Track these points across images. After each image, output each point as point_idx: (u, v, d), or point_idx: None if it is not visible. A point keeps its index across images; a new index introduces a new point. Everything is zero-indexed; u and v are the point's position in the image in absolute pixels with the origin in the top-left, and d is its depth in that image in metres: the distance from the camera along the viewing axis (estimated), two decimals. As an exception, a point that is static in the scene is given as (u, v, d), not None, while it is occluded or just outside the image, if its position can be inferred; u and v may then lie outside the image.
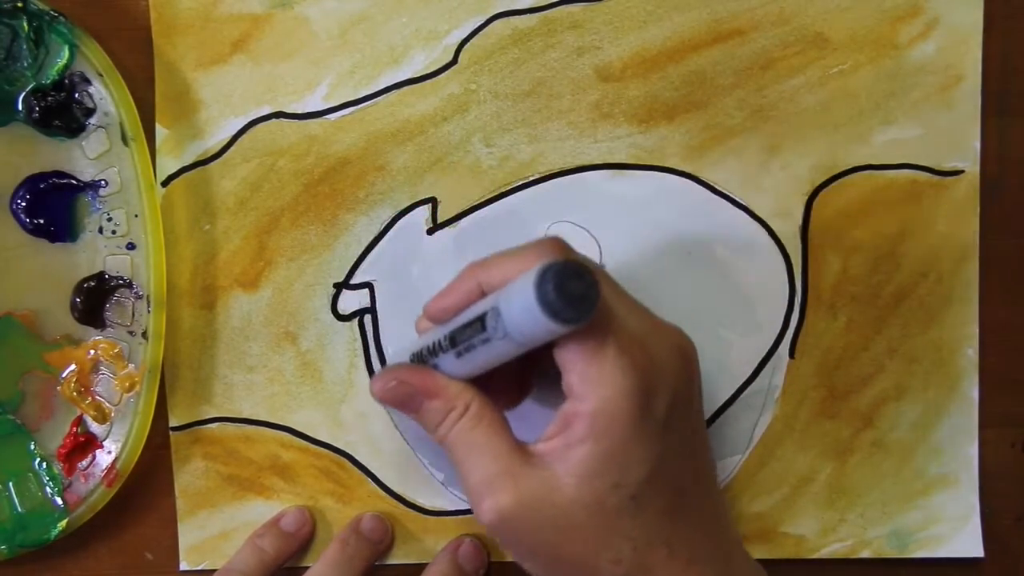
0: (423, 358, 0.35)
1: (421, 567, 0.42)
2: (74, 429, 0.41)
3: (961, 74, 0.42)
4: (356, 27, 0.42)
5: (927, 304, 0.42)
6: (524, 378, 0.38)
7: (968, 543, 0.42)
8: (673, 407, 0.32)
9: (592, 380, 0.31)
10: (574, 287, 0.29)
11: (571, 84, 0.42)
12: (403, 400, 0.35)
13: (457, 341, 0.33)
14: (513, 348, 0.31)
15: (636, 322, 0.33)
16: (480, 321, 0.32)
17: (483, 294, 0.33)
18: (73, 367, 0.42)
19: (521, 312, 0.30)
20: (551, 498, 0.32)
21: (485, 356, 0.32)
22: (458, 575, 0.41)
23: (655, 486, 0.32)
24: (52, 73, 0.40)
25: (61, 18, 0.39)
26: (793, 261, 0.42)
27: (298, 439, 0.43)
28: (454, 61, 0.42)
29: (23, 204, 0.41)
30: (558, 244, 0.33)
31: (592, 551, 0.32)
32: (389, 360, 0.41)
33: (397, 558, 0.43)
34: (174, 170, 0.42)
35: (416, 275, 0.42)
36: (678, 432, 0.33)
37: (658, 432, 0.32)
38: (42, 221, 0.41)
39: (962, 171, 0.42)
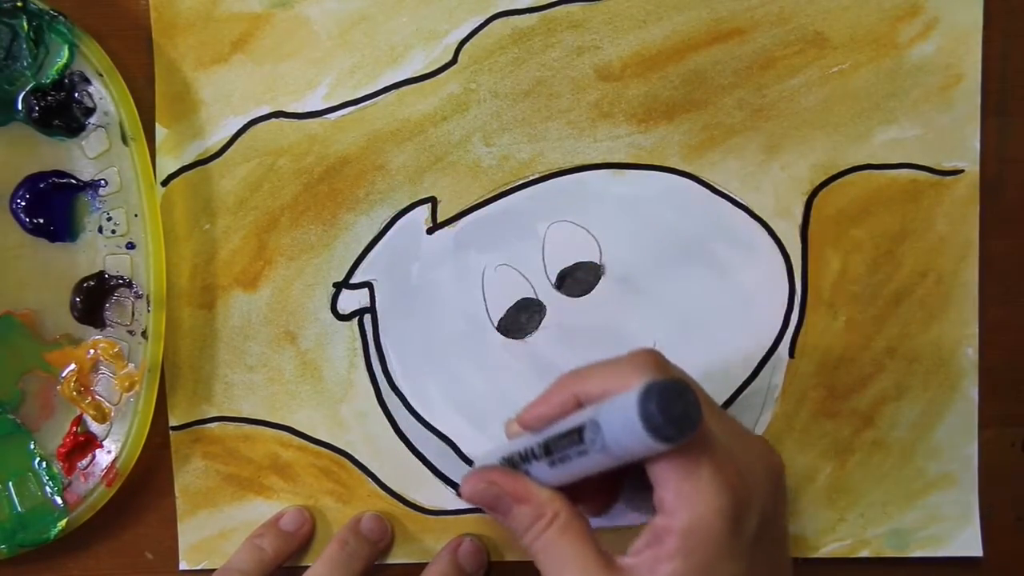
0: (514, 463, 0.36)
1: (421, 567, 0.42)
2: (74, 429, 0.41)
3: (961, 74, 0.42)
4: (356, 27, 0.42)
5: (927, 304, 0.42)
6: (613, 487, 0.38)
7: (967, 543, 0.42)
8: (761, 525, 0.33)
9: (685, 497, 0.31)
10: (677, 407, 0.29)
11: (571, 84, 0.42)
12: (492, 502, 0.35)
13: (552, 450, 0.34)
14: (609, 461, 0.32)
15: (729, 438, 0.33)
16: (577, 433, 0.32)
17: (579, 405, 0.34)
18: (73, 367, 0.42)
19: (622, 428, 0.30)
20: None
21: (580, 467, 0.33)
22: (458, 574, 0.41)
23: None
24: (52, 73, 0.40)
25: (61, 17, 0.39)
26: (793, 261, 0.42)
27: (298, 438, 0.43)
28: (454, 61, 0.42)
29: (23, 204, 0.41)
30: (656, 359, 0.34)
31: None
32: (478, 461, 0.41)
33: (397, 557, 0.43)
34: (174, 170, 0.42)
35: (416, 274, 0.42)
36: (764, 548, 0.33)
37: (746, 550, 0.32)
38: (42, 221, 0.41)
39: (962, 171, 0.42)
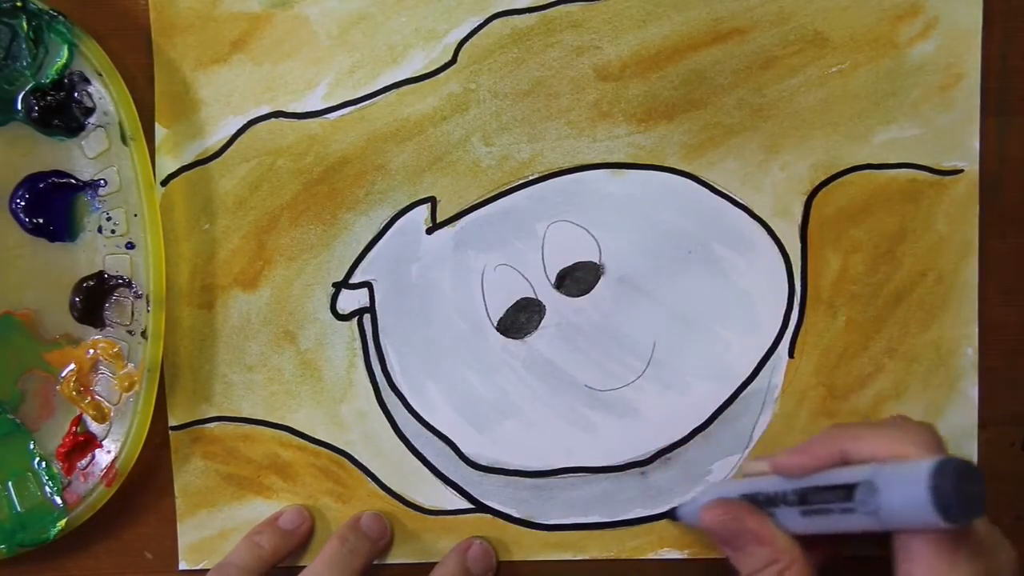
0: (759, 502, 0.36)
1: (421, 567, 0.42)
2: (73, 428, 0.41)
3: (961, 73, 0.42)
4: (355, 27, 0.42)
5: (926, 303, 0.42)
6: (842, 543, 0.38)
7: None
8: None
9: None
10: (970, 489, 0.29)
11: (570, 83, 0.42)
12: (731, 535, 0.36)
13: (809, 500, 0.34)
14: (871, 525, 0.31)
15: (983, 528, 0.33)
16: (845, 491, 0.32)
17: (844, 462, 0.34)
18: (72, 366, 0.42)
19: (903, 498, 0.30)
20: None
21: (835, 525, 0.33)
22: (466, 577, 0.41)
23: None
24: (51, 72, 0.40)
25: (60, 17, 0.39)
26: (792, 260, 0.42)
27: (297, 438, 0.43)
28: (453, 60, 0.42)
29: (23, 204, 0.41)
30: (938, 436, 0.34)
31: None
32: (710, 493, 0.41)
33: (396, 557, 0.43)
34: (173, 169, 0.42)
35: (415, 274, 0.42)
36: None
37: None
38: (41, 220, 0.41)
39: (961, 170, 0.42)
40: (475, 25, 0.42)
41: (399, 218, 0.42)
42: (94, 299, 0.41)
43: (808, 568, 0.34)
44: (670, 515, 0.41)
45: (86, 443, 0.41)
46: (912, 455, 0.32)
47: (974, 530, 0.32)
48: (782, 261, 0.42)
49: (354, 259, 0.42)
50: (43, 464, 0.42)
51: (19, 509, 0.41)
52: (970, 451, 0.42)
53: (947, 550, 0.31)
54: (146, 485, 0.43)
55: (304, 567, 0.41)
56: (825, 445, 0.35)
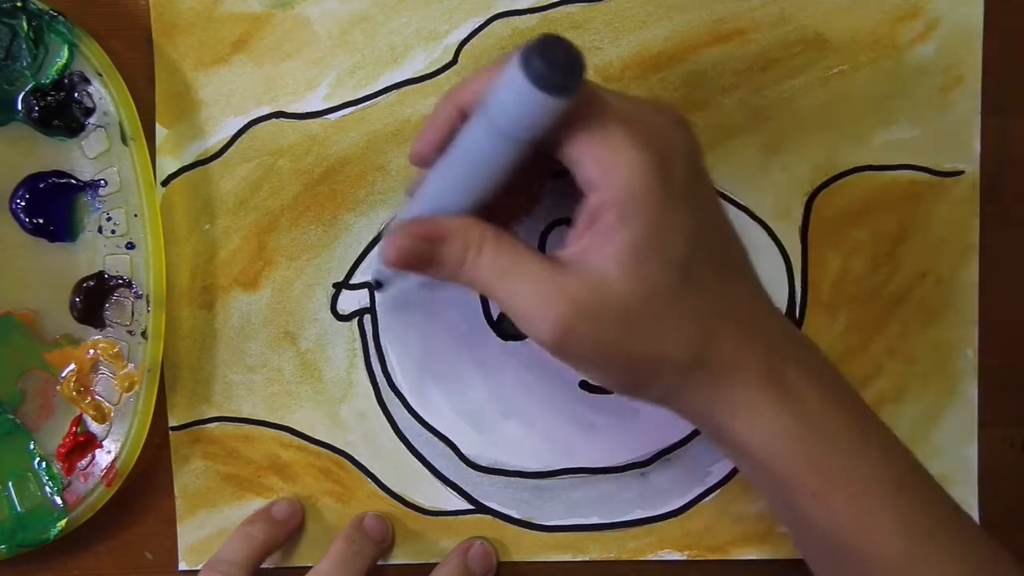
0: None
1: (421, 567, 0.42)
2: (74, 429, 0.41)
3: (961, 75, 0.42)
4: (356, 27, 0.42)
5: (927, 304, 0.42)
6: (527, 190, 0.37)
7: (967, 544, 0.42)
8: (689, 175, 0.32)
9: (608, 162, 0.30)
10: (558, 54, 0.28)
11: (571, 84, 0.42)
12: (418, 255, 0.33)
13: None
14: (493, 139, 0.30)
15: (629, 104, 0.32)
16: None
17: (465, 119, 0.32)
18: (72, 367, 0.42)
19: (509, 96, 0.29)
20: (604, 298, 0.31)
21: (477, 156, 0.31)
22: (466, 577, 0.41)
23: (700, 255, 0.31)
24: (52, 73, 0.40)
25: (60, 17, 0.39)
26: (793, 261, 0.42)
27: (297, 439, 0.43)
28: (454, 61, 0.42)
29: (23, 204, 0.41)
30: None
31: (657, 339, 0.31)
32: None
33: (397, 558, 0.43)
34: (174, 170, 0.42)
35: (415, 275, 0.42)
36: (701, 199, 0.32)
37: (684, 200, 0.31)
38: (42, 221, 0.41)
39: (962, 171, 0.42)
40: (476, 26, 0.42)
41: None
42: (94, 299, 0.41)
43: (501, 231, 0.32)
44: (377, 287, 0.40)
45: (86, 443, 0.41)
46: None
47: (617, 107, 0.31)
48: (782, 262, 0.42)
49: (355, 260, 0.42)
50: (43, 464, 0.41)
51: (19, 509, 0.41)
52: (970, 452, 0.42)
53: (600, 136, 0.30)
54: (146, 485, 0.43)
55: (307, 568, 0.41)
56: (441, 112, 0.33)
